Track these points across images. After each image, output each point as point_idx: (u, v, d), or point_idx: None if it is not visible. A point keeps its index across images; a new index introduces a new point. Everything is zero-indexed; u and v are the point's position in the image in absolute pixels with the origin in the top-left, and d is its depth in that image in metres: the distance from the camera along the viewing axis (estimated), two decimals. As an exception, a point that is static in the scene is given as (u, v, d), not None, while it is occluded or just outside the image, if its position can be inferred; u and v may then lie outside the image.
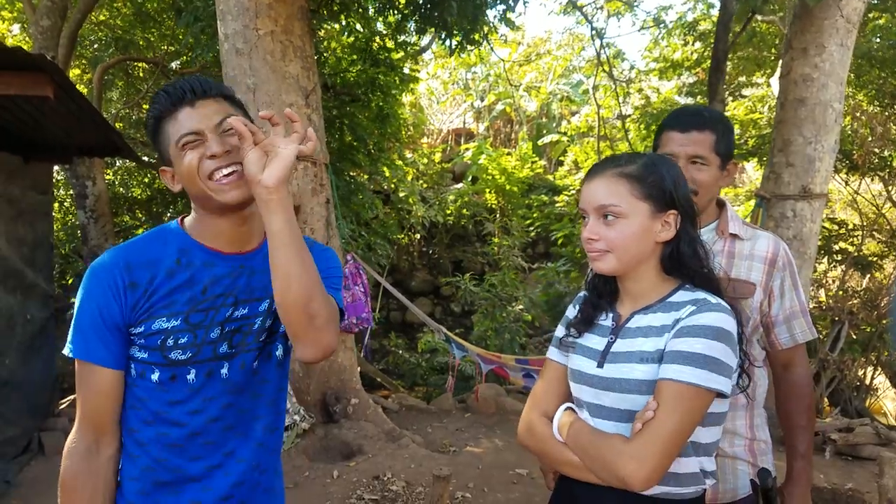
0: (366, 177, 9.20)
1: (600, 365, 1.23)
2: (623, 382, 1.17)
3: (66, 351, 1.12)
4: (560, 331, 1.39)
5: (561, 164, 15.80)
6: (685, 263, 1.21)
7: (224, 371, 1.18)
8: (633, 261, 1.22)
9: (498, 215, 13.46)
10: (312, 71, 4.45)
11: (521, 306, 9.08)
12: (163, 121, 1.15)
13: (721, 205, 1.64)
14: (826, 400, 6.62)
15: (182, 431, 1.15)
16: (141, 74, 8.98)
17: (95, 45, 8.63)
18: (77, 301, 1.13)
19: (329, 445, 4.34)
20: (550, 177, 14.85)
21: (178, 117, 1.13)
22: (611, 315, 1.29)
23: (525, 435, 1.30)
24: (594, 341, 1.28)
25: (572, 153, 14.77)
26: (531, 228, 12.71)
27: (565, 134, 15.17)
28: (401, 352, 9.46)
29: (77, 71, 9.04)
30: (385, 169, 9.17)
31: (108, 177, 8.76)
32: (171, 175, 1.18)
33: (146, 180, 9.60)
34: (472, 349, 5.22)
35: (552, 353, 1.39)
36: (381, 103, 7.60)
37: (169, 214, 8.79)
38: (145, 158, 8.18)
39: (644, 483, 1.05)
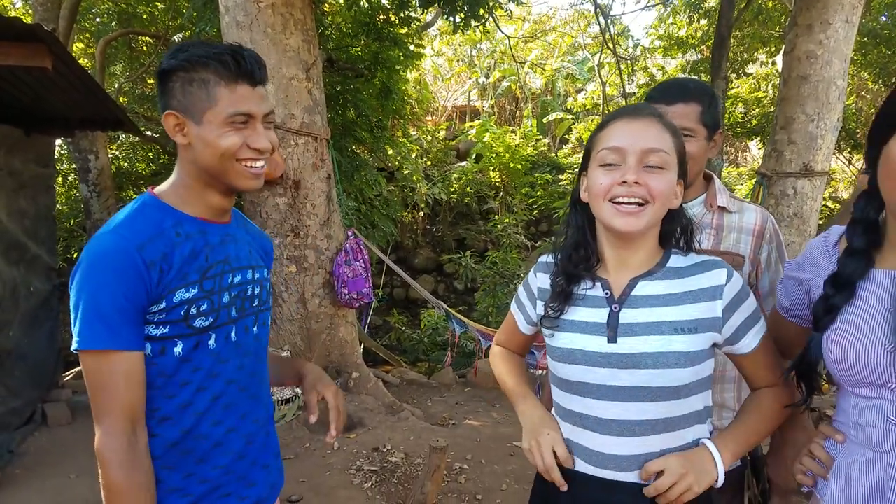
0: (369, 154, 9.18)
1: (612, 339, 1.10)
2: (657, 358, 1.07)
3: (79, 346, 1.06)
4: (523, 296, 1.33)
5: (565, 142, 15.72)
6: (683, 228, 1.19)
7: (233, 335, 1.22)
8: (658, 220, 1.13)
9: (501, 193, 13.44)
10: (313, 44, 4.43)
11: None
12: (210, 78, 1.11)
13: (708, 178, 1.64)
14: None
15: (205, 396, 1.17)
16: (144, 48, 8.93)
17: (98, 19, 8.58)
18: (85, 291, 1.05)
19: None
20: (554, 155, 14.78)
21: (238, 90, 1.12)
22: (598, 284, 1.18)
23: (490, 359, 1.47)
24: (587, 314, 1.16)
25: (577, 131, 14.68)
26: (534, 207, 12.70)
27: (570, 111, 15.07)
28: (403, 328, 9.55)
29: (80, 45, 9.00)
30: (388, 146, 9.14)
31: (111, 151, 8.76)
32: (181, 125, 1.15)
33: (150, 155, 9.59)
34: (472, 325, 5.28)
35: (517, 315, 1.37)
36: (385, 79, 7.55)
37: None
38: (148, 133, 8.17)
39: None
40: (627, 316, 1.11)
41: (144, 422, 1.11)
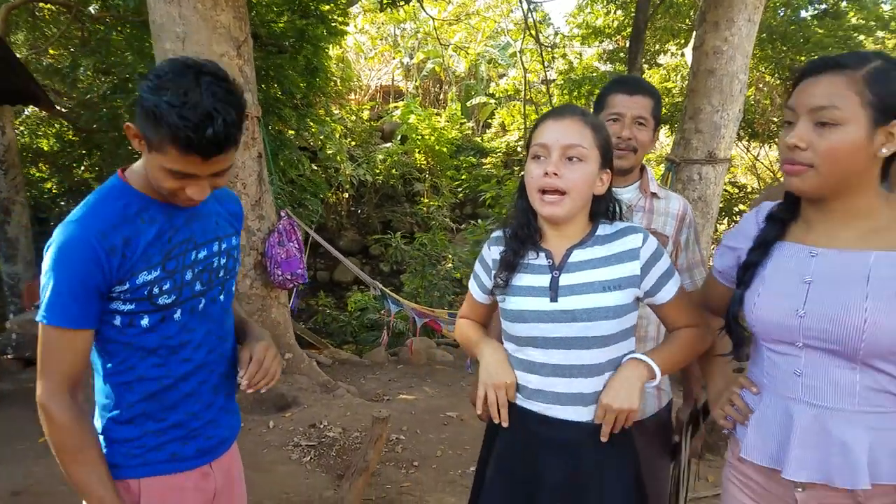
0: (292, 132, 9.02)
1: (554, 299, 1.30)
2: (591, 312, 1.27)
3: (39, 319, 1.18)
4: (479, 268, 1.49)
5: (489, 126, 16.01)
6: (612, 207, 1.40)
7: (201, 306, 1.34)
8: (580, 206, 1.32)
9: (427, 175, 13.54)
10: (245, 21, 4.34)
11: (450, 265, 9.33)
12: (168, 135, 1.10)
13: (642, 167, 1.85)
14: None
15: (176, 358, 1.31)
16: (48, 16, 8.30)
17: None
18: (49, 274, 1.17)
19: (263, 398, 4.42)
20: (478, 139, 15.02)
21: (188, 158, 1.13)
22: (542, 254, 1.36)
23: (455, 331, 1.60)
24: (533, 280, 1.34)
25: (499, 116, 14.97)
26: (459, 189, 12.90)
27: (493, 96, 15.33)
28: (329, 311, 9.53)
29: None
30: (312, 125, 9.00)
31: (15, 127, 8.13)
32: (139, 139, 1.19)
33: (52, 131, 8.99)
34: (407, 304, 5.40)
35: (474, 290, 1.53)
36: (309, 56, 7.43)
37: (83, 169, 8.29)
38: (59, 108, 7.65)
39: None
40: (566, 279, 1.32)
41: (83, 385, 1.25)
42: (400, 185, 13.56)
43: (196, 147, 1.11)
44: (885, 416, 1.09)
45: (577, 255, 1.34)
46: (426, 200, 13.03)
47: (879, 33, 9.08)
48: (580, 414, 1.31)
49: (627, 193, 1.79)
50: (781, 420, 1.17)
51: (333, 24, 7.73)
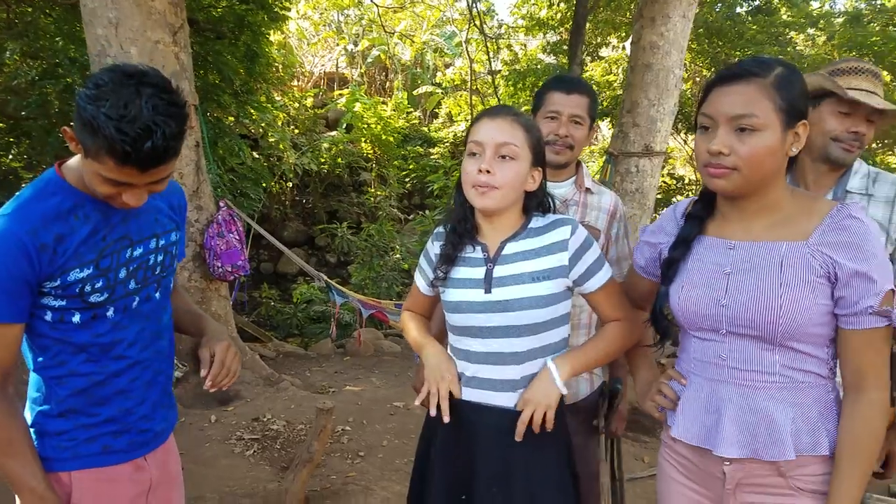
0: (232, 119, 8.78)
1: (488, 291, 1.36)
2: (521, 302, 1.33)
3: None
4: (423, 262, 1.54)
5: (436, 116, 16.00)
6: (545, 202, 1.45)
7: (135, 304, 1.32)
8: (510, 200, 1.36)
9: (374, 165, 13.43)
10: (181, 7, 4.20)
11: (398, 255, 9.33)
12: (104, 146, 1.08)
13: (577, 163, 1.91)
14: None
15: (108, 355, 1.29)
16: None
17: None
18: None
19: (204, 393, 4.33)
20: (425, 129, 14.98)
21: (124, 170, 1.11)
22: (478, 248, 1.42)
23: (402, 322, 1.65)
24: (469, 272, 1.40)
25: (446, 106, 14.98)
26: (407, 180, 12.86)
27: (440, 85, 15.31)
28: (273, 303, 9.38)
29: None
30: (253, 112, 8.79)
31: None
32: (76, 143, 1.16)
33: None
34: (352, 295, 5.37)
35: (419, 282, 1.57)
36: (249, 42, 7.24)
37: (10, 157, 7.77)
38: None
39: None
40: (499, 271, 1.38)
41: (13, 378, 1.23)
42: (346, 174, 13.41)
43: (133, 160, 1.10)
44: (803, 391, 1.18)
45: (510, 248, 1.39)
46: (373, 190, 12.93)
47: (810, 30, 9.54)
48: (511, 400, 1.36)
49: (563, 188, 1.85)
50: (710, 402, 1.24)
51: (275, 10, 7.55)
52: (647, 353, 1.47)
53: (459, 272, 1.42)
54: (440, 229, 1.52)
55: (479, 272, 1.40)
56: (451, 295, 1.42)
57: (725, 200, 1.25)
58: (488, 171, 1.32)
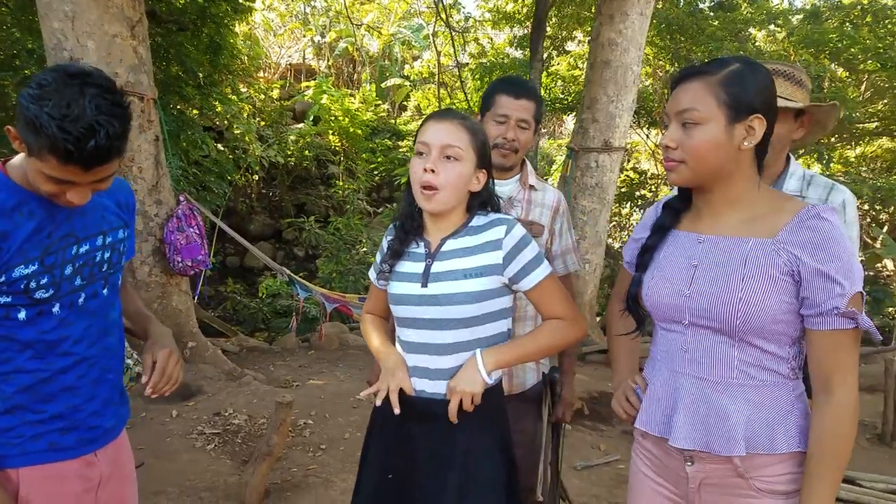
0: (195, 112, 8.65)
1: (424, 285, 1.43)
2: (452, 297, 1.39)
3: None
4: (378, 257, 1.61)
5: (404, 108, 15.96)
6: (489, 202, 1.51)
7: (81, 301, 1.33)
8: (454, 201, 1.42)
9: (342, 158, 13.34)
10: (139, 0, 4.15)
11: (365, 249, 9.32)
12: (46, 145, 1.09)
13: (522, 161, 1.98)
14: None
15: (54, 352, 1.30)
16: None
17: None
18: None
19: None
20: (394, 121, 14.93)
21: (67, 168, 1.12)
22: (422, 243, 1.50)
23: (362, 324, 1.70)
24: (411, 267, 1.48)
25: (415, 98, 14.94)
26: (376, 173, 12.81)
27: (408, 78, 15.27)
28: (239, 297, 9.30)
29: None
30: (217, 104, 8.68)
31: None
32: (19, 142, 1.17)
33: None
34: (316, 289, 5.38)
35: (372, 276, 1.63)
36: (213, 34, 7.15)
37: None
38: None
39: None
40: (437, 267, 1.45)
41: None
42: (314, 167, 13.29)
43: (76, 159, 1.11)
44: (761, 389, 1.19)
45: (449, 245, 1.46)
46: (341, 183, 12.86)
47: (771, 26, 9.75)
48: (444, 388, 1.43)
49: (508, 186, 1.92)
50: (670, 392, 1.26)
51: (238, 1, 7.45)
52: (627, 342, 1.48)
53: (403, 266, 1.49)
54: (392, 226, 1.58)
55: (419, 267, 1.47)
56: (395, 287, 1.49)
57: (697, 195, 1.30)
58: (433, 171, 1.38)
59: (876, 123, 9.54)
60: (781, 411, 1.18)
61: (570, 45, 11.25)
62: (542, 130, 12.62)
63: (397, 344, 1.54)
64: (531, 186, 1.95)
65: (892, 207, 9.12)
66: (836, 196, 1.58)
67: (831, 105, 1.58)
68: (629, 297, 1.37)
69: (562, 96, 10.55)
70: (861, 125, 9.29)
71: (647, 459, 1.35)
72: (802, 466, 1.17)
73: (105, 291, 1.39)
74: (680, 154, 1.21)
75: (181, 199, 4.49)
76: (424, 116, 1.55)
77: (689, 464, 1.24)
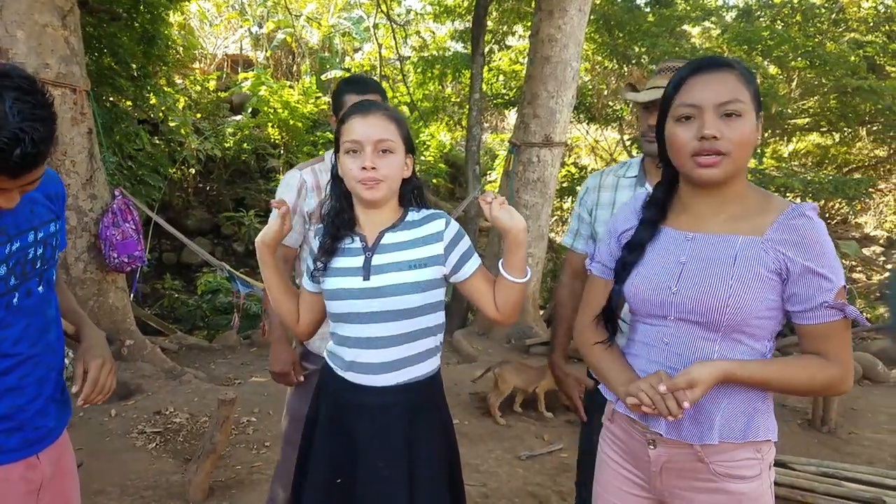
0: (129, 104, 8.32)
1: (366, 278, 1.43)
2: (398, 287, 1.41)
3: None
4: (309, 262, 1.57)
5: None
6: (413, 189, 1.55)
7: (16, 300, 1.28)
8: (394, 190, 1.46)
9: (283, 151, 13.07)
10: (71, -11, 3.99)
11: (306, 243, 9.18)
12: None
13: None
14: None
15: None
16: None
17: None
18: None
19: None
20: (335, 114, 14.70)
21: None
22: (357, 238, 1.49)
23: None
24: (348, 262, 1.47)
25: (356, 91, 14.75)
26: (316, 166, 12.60)
27: (349, 70, 15.09)
28: (177, 294, 9.02)
29: None
30: (151, 96, 8.36)
31: None
32: None
33: None
34: (257, 285, 5.30)
35: (306, 283, 1.59)
36: (146, 24, 6.90)
37: None
38: None
39: None
40: (377, 259, 1.46)
41: None
42: (253, 160, 12.94)
43: (3, 169, 1.07)
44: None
45: (388, 238, 1.48)
46: (281, 177, 12.60)
47: (706, 23, 10.10)
48: (387, 380, 1.46)
49: None
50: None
51: (174, -10, 7.23)
52: (611, 349, 1.38)
53: (339, 262, 1.49)
54: (319, 226, 1.57)
55: (357, 261, 1.47)
56: (331, 283, 1.48)
57: (692, 192, 1.28)
58: (373, 168, 1.39)
59: (807, 120, 9.94)
60: (754, 403, 1.23)
61: (510, 40, 11.36)
62: (485, 125, 12.74)
63: (332, 339, 1.54)
64: None
65: (822, 201, 9.57)
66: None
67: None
68: (611, 306, 1.35)
69: (503, 91, 10.69)
70: (792, 121, 9.73)
71: (614, 444, 1.39)
72: (761, 452, 1.23)
73: (40, 289, 1.36)
74: (725, 146, 1.17)
75: (116, 193, 4.35)
76: (343, 113, 1.52)
77: (652, 447, 1.28)
